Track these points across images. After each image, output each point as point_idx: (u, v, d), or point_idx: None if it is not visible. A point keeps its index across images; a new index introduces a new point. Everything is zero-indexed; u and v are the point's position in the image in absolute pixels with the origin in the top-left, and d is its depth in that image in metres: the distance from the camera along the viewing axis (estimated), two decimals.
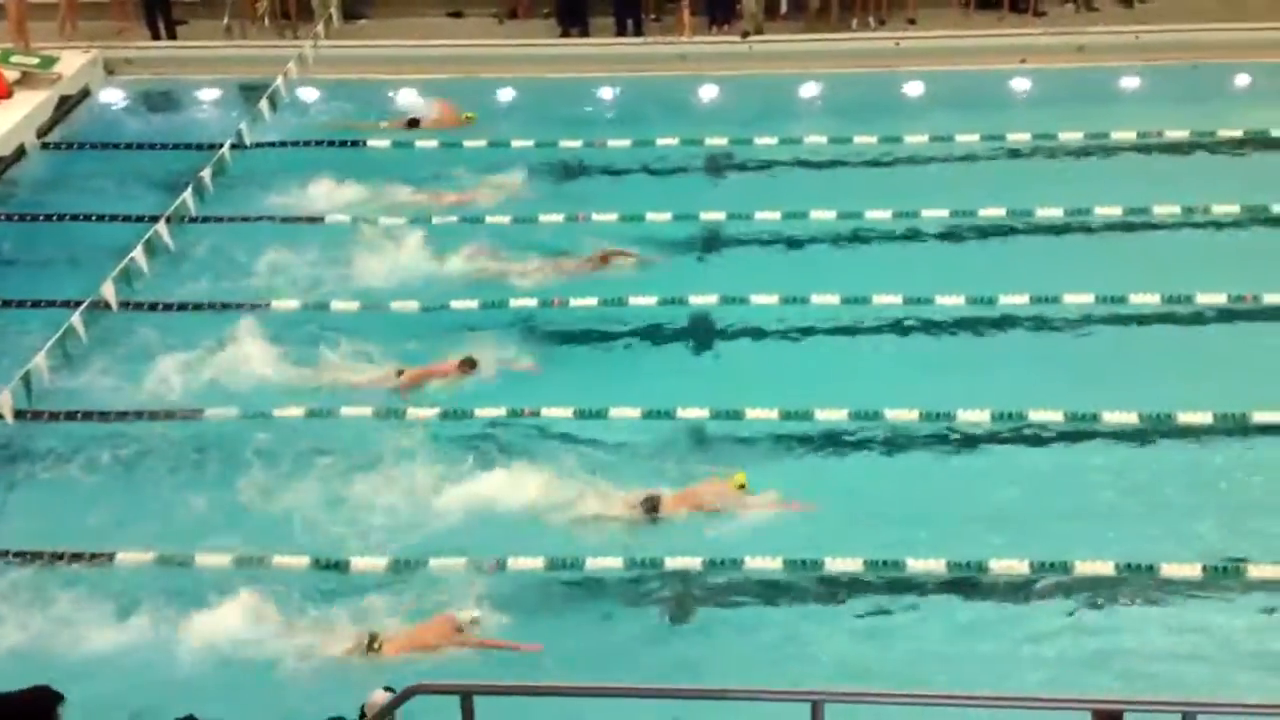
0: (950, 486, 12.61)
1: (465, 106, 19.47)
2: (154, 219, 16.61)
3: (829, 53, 20.26)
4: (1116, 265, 15.44)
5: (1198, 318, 14.54)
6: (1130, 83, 19.27)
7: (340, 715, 8.90)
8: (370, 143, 18.74)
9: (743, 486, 12.34)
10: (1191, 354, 14.08)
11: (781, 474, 12.66)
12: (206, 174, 17.50)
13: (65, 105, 20.05)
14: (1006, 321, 14.69)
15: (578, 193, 17.48)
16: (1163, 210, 16.15)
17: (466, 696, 7.18)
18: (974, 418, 13.18)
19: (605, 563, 11.87)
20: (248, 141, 18.58)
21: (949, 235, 16.21)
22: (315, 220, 17.00)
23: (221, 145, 18.21)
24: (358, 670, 10.69)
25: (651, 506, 12.25)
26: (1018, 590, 11.46)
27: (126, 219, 17.01)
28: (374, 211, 17.06)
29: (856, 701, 8.18)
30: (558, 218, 16.77)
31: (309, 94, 20.36)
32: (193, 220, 16.96)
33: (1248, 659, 10.74)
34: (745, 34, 20.59)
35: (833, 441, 13.16)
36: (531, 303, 15.23)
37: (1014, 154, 17.78)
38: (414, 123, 19.13)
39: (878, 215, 16.46)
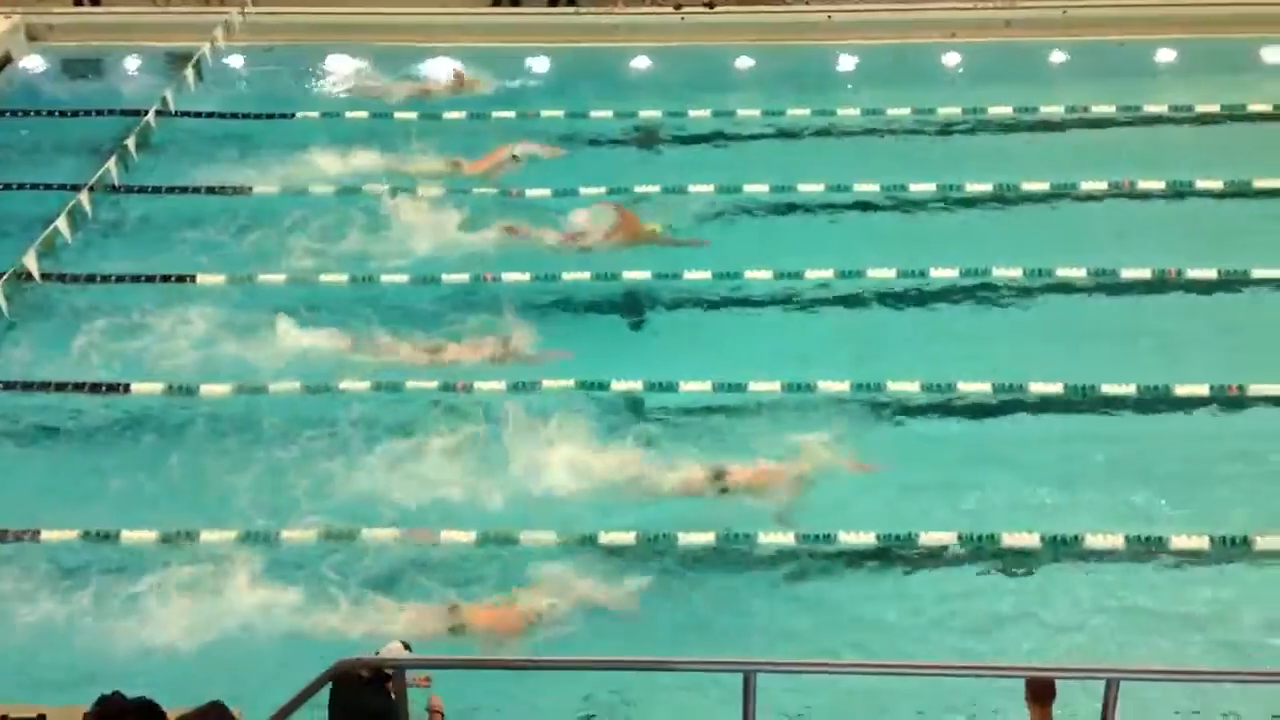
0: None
1: (392, 76, 19.29)
2: (77, 188, 16.35)
3: (762, 25, 20.24)
4: (1044, 239, 15.60)
5: (1122, 291, 14.72)
6: (1058, 58, 19.44)
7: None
8: (298, 114, 18.49)
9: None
10: (1115, 327, 14.26)
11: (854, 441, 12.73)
12: (131, 143, 17.24)
13: None
14: (940, 295, 14.80)
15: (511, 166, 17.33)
16: (1089, 185, 16.33)
17: (398, 670, 7.18)
18: (905, 388, 13.33)
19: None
20: (173, 109, 18.30)
21: (882, 209, 16.29)
22: (242, 191, 16.76)
23: (146, 113, 17.92)
24: (444, 645, 10.63)
25: (719, 479, 12.26)
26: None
27: (49, 188, 16.72)
28: (302, 182, 16.86)
29: (788, 671, 8.29)
30: (491, 191, 16.66)
31: (236, 61, 20.05)
32: (116, 190, 16.70)
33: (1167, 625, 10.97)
34: (678, 5, 20.53)
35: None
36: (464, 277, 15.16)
37: (944, 128, 17.88)
38: (459, 78, 18.92)
39: (811, 188, 16.51)
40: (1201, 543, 11.59)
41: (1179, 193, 16.23)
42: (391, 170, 17.07)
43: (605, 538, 11.81)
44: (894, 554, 11.69)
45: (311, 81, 19.56)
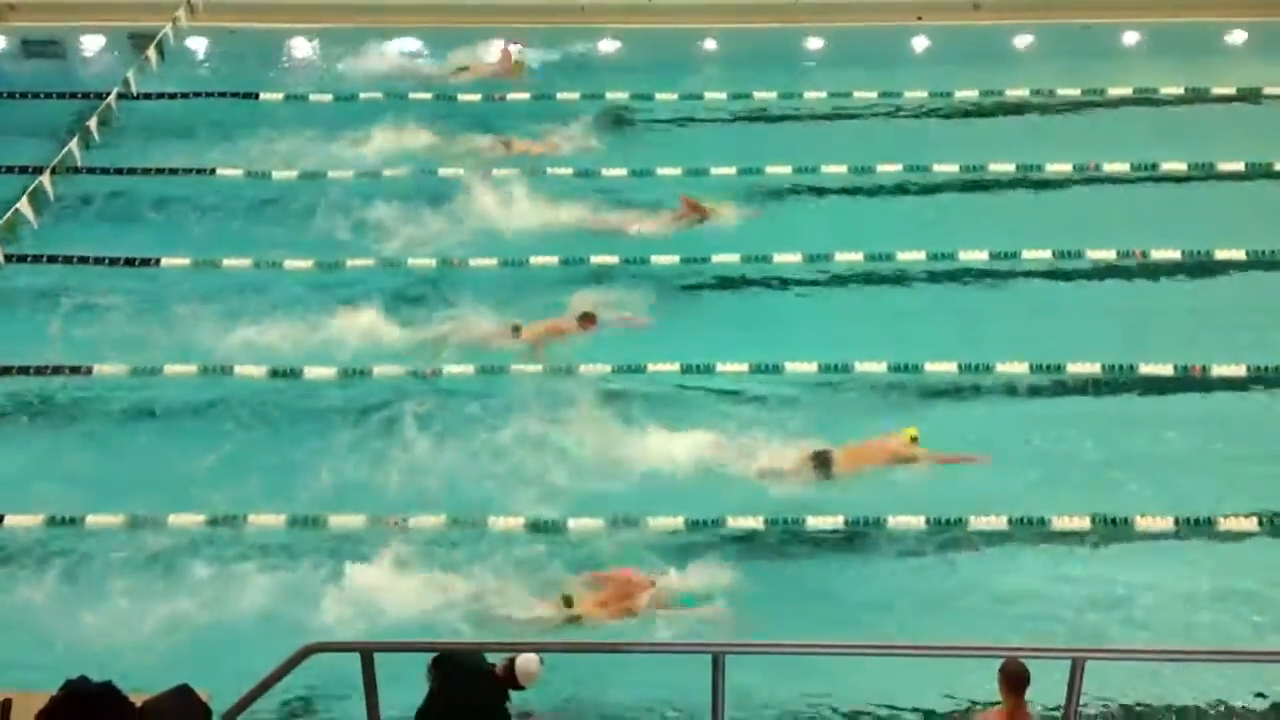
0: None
1: (355, 55, 19.19)
2: (39, 170, 16.19)
3: (728, 7, 20.20)
4: (1010, 221, 15.65)
5: (1088, 273, 14.80)
6: (1024, 41, 19.49)
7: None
8: (262, 95, 18.35)
9: (915, 439, 12.28)
10: (1081, 308, 14.35)
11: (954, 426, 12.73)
12: (93, 124, 17.08)
13: None
14: (903, 277, 14.85)
15: (484, 148, 17.25)
16: (1055, 168, 16.40)
17: (366, 654, 7.16)
18: (871, 368, 13.41)
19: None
20: (135, 91, 18.14)
21: (848, 192, 16.31)
22: (205, 172, 16.63)
23: (108, 95, 17.75)
24: (556, 632, 10.61)
25: (823, 462, 12.21)
26: None
27: (10, 170, 16.55)
28: (269, 165, 16.74)
29: (756, 652, 8.32)
30: (456, 172, 16.59)
31: (198, 43, 19.87)
32: (79, 171, 16.54)
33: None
34: None
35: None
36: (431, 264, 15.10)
37: (911, 111, 17.91)
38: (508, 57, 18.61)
39: (777, 170, 16.51)
40: None
41: (1143, 175, 16.31)
42: (364, 153, 16.96)
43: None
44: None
45: (274, 63, 19.41)
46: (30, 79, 19.07)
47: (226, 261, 15.07)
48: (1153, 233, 15.11)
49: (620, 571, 11.12)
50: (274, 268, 15.00)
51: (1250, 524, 11.66)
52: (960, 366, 13.41)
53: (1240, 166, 16.27)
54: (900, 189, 16.35)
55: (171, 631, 10.75)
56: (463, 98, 18.25)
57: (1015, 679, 8.32)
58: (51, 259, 15.05)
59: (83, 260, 15.00)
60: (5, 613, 11.04)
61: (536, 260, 14.99)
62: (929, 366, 13.42)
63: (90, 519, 11.88)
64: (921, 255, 14.97)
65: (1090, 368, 13.34)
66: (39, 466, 12.55)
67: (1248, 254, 14.82)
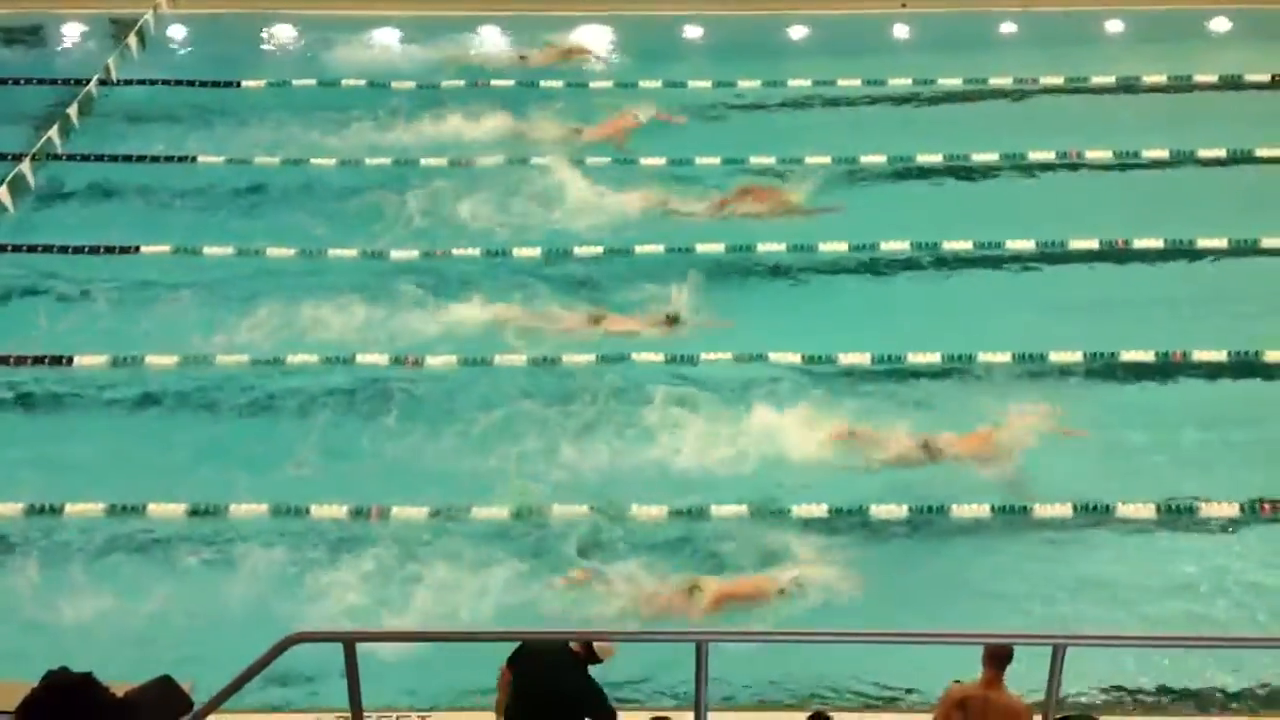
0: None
1: (339, 41, 19.08)
2: (19, 157, 16.09)
3: None
4: (995, 211, 15.65)
5: (1069, 260, 14.83)
6: (1008, 29, 19.50)
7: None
8: (245, 82, 18.26)
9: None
10: (1063, 297, 14.37)
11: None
12: (73, 111, 16.98)
13: None
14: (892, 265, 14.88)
15: (461, 136, 17.15)
16: (1038, 155, 16.40)
17: (349, 644, 7.13)
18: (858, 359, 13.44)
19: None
20: (115, 78, 18.04)
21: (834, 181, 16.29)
22: (186, 160, 16.53)
23: (88, 81, 17.64)
24: (680, 620, 10.59)
25: (925, 449, 12.28)
26: None
27: None
28: (248, 153, 16.65)
29: (738, 640, 8.35)
30: (437, 161, 16.51)
31: (179, 29, 19.75)
32: (58, 158, 16.45)
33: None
34: None
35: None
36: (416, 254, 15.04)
37: (895, 99, 17.89)
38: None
39: (761, 160, 16.48)
40: None
41: (1125, 163, 16.35)
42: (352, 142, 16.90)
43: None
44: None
45: (257, 49, 19.30)
46: (9, 65, 18.92)
47: (208, 249, 15.00)
48: (1135, 221, 15.15)
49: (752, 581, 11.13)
50: (257, 256, 14.93)
51: None
52: (944, 355, 13.43)
53: (1222, 154, 16.28)
54: (886, 177, 16.31)
55: (154, 621, 10.72)
56: (446, 84, 18.18)
57: (993, 651, 8.34)
58: (31, 248, 14.97)
59: (63, 249, 14.91)
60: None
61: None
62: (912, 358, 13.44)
63: (70, 508, 11.84)
64: (906, 245, 14.96)
65: (1073, 355, 13.36)
66: (19, 455, 12.49)
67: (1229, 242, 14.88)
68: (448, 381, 13.26)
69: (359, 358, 13.47)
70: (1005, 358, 13.35)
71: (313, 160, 16.47)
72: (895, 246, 14.95)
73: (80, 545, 11.51)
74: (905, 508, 11.83)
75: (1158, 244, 14.88)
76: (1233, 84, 17.84)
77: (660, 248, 14.96)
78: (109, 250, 14.92)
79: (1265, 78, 17.82)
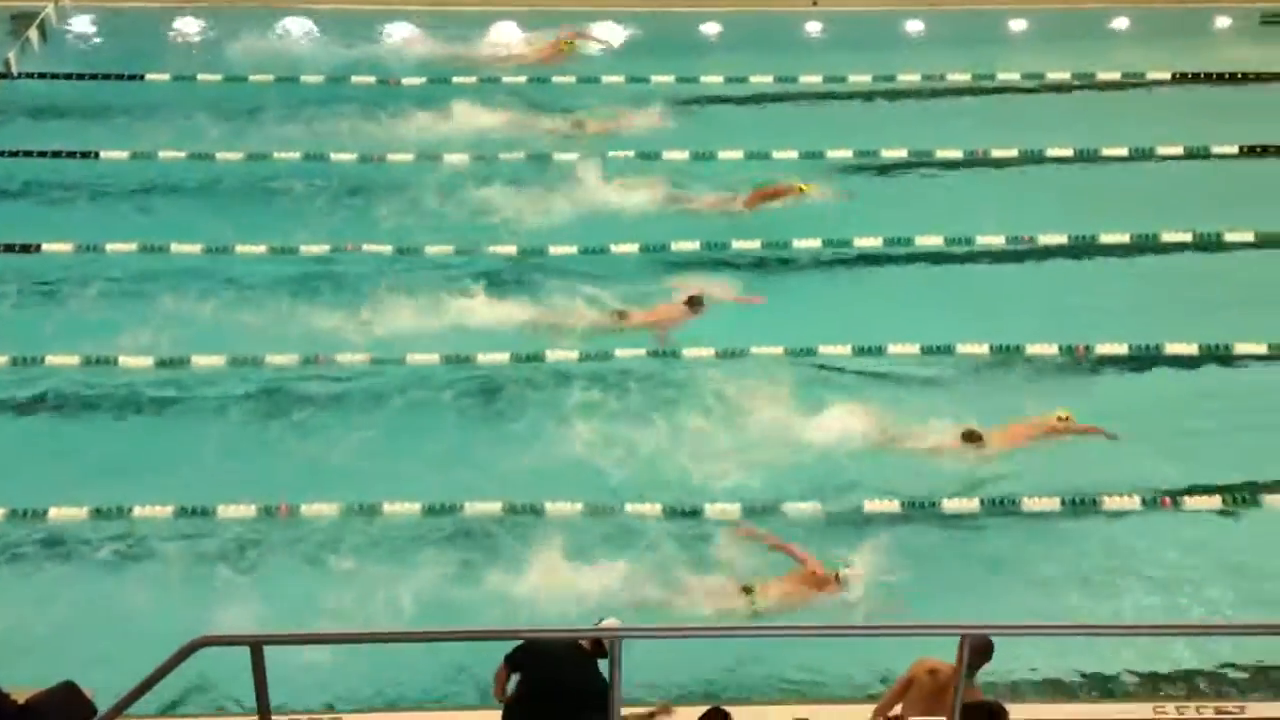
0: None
1: (246, 34, 18.79)
2: None
3: None
4: (902, 208, 15.78)
5: (974, 258, 15.01)
6: (914, 26, 19.72)
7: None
8: (148, 76, 17.94)
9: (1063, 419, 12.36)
10: (968, 293, 14.55)
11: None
12: None
13: None
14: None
15: (369, 132, 17.01)
16: (944, 153, 16.60)
17: (256, 648, 7.04)
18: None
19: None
20: (16, 72, 17.67)
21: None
22: (88, 155, 16.22)
23: None
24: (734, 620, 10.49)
25: (972, 440, 12.23)
26: None
27: None
28: (152, 147, 16.36)
29: (651, 636, 8.36)
30: (347, 156, 16.36)
31: (82, 22, 19.39)
32: None
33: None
34: None
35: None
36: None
37: (807, 96, 18.00)
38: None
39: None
40: None
41: (1031, 159, 16.58)
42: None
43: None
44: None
45: (161, 43, 18.99)
46: None
47: (110, 246, 14.72)
48: (1040, 217, 15.39)
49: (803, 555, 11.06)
50: (161, 253, 14.68)
51: None
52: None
53: (1124, 151, 16.56)
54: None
55: (58, 627, 10.50)
56: (356, 79, 18.00)
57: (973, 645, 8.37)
58: None
59: None
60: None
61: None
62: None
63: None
64: (817, 243, 15.07)
65: (979, 347, 13.52)
66: None
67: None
68: (357, 380, 13.13)
69: (268, 358, 13.28)
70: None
71: (219, 155, 16.24)
72: (805, 244, 15.03)
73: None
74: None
75: (1061, 239, 15.12)
76: (1135, 81, 18.19)
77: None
78: (9, 249, 14.60)
79: (1166, 75, 18.21)
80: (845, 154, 16.57)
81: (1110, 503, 11.84)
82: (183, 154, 16.26)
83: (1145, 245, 15.07)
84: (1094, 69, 18.32)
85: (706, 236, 15.06)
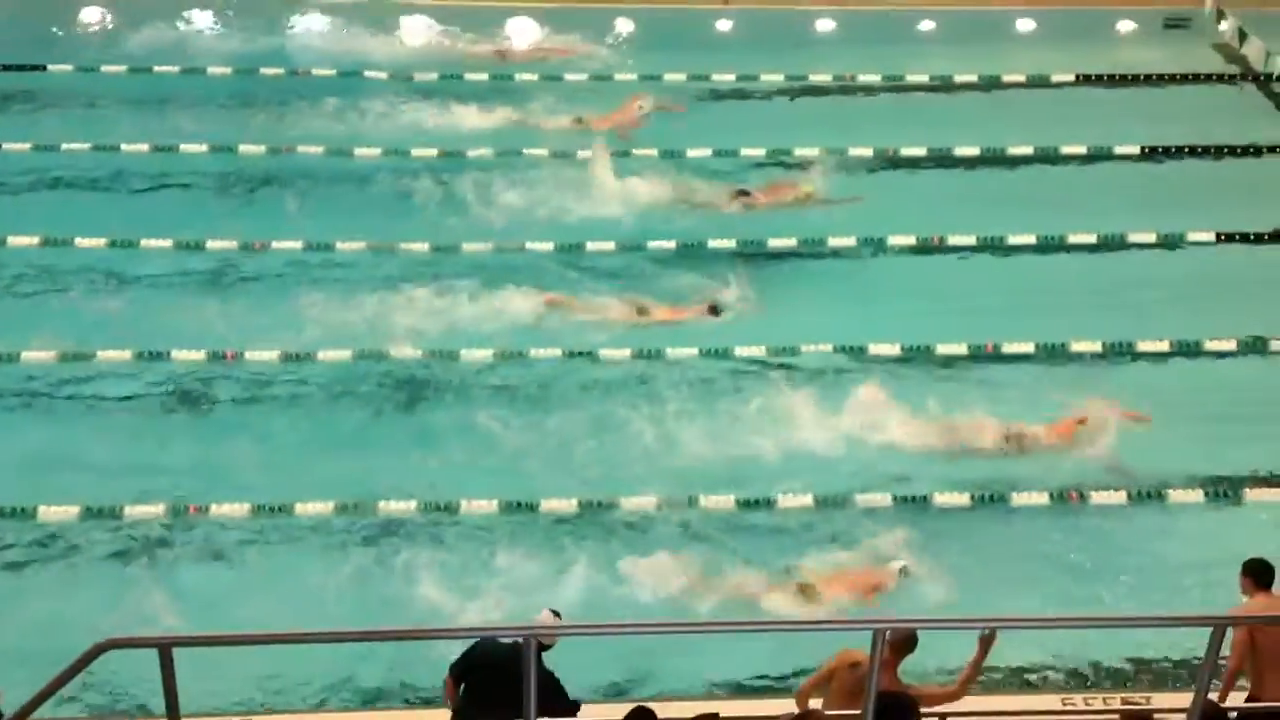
0: None
1: (151, 24, 18.47)
2: None
3: None
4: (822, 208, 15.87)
5: (888, 252, 15.20)
6: (826, 26, 19.88)
7: None
8: (51, 67, 17.54)
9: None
10: (878, 290, 14.69)
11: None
12: None
13: None
14: None
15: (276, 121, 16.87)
16: (857, 152, 16.74)
17: (165, 650, 6.92)
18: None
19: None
20: None
21: None
22: None
23: None
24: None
25: (1010, 439, 12.30)
26: None
27: None
28: (55, 139, 16.03)
29: (565, 634, 8.36)
30: (255, 149, 16.16)
31: None
32: None
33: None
34: None
35: None
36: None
37: (718, 94, 18.08)
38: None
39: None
40: None
41: (938, 159, 16.81)
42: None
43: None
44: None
45: (66, 32, 18.64)
46: None
47: (13, 239, 14.40)
48: (948, 218, 15.58)
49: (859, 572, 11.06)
50: (65, 245, 14.38)
51: None
52: (768, 349, 13.60)
53: (1029, 151, 16.85)
54: (708, 175, 16.46)
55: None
56: (265, 70, 17.79)
57: (897, 637, 8.45)
58: None
59: None
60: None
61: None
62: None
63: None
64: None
65: (891, 348, 13.69)
66: None
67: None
68: (264, 375, 12.98)
69: (174, 353, 13.07)
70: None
71: (124, 147, 15.95)
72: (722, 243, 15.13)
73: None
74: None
75: (970, 240, 15.34)
76: (1039, 83, 18.50)
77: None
78: None
79: (1070, 77, 18.55)
80: (758, 152, 16.66)
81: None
82: (86, 146, 15.94)
83: (1050, 245, 15.31)
84: (999, 71, 18.61)
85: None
